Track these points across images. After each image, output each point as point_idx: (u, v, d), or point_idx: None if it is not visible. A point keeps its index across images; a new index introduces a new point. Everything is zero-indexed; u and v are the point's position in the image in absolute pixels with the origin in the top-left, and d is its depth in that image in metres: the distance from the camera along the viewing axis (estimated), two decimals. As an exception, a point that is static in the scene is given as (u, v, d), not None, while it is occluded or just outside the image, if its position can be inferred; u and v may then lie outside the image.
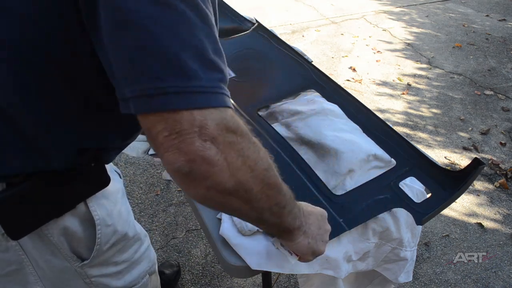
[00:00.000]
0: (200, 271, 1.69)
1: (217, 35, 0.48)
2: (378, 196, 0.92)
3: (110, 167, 0.71)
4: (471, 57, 3.46)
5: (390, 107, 2.80)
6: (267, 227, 0.59)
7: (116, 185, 0.72)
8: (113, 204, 0.71)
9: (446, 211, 1.96)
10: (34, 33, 0.48)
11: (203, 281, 1.64)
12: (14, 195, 0.57)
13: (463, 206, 2.01)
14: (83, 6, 0.45)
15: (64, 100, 0.53)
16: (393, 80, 3.12)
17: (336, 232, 0.84)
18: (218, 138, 0.43)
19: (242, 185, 0.46)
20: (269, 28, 1.64)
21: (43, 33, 0.48)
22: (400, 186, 0.95)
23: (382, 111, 2.75)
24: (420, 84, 3.07)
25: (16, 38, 0.48)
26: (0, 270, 0.66)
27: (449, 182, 0.94)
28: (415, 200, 0.92)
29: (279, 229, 0.61)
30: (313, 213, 0.68)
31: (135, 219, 0.76)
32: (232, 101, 1.26)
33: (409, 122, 2.64)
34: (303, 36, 3.86)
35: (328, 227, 0.71)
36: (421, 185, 0.98)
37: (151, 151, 1.05)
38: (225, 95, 0.46)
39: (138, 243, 0.80)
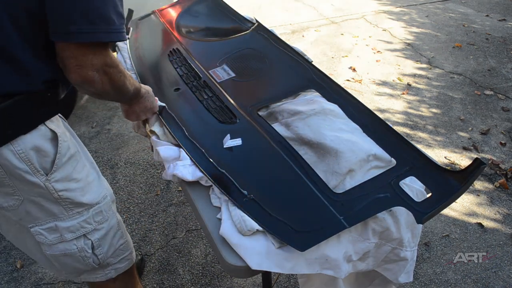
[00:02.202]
0: (200, 271, 1.68)
1: None
2: (379, 194, 0.92)
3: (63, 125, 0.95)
4: (471, 57, 3.46)
5: (390, 107, 2.80)
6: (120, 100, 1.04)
7: (62, 126, 0.93)
8: (63, 131, 0.90)
9: (446, 211, 1.96)
10: None
11: (203, 281, 1.64)
12: None
13: (463, 206, 2.01)
14: None
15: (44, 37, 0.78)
16: (393, 80, 3.12)
17: (336, 229, 0.84)
18: (100, 70, 0.80)
19: (105, 92, 0.86)
20: (269, 28, 1.64)
21: None
22: (400, 185, 0.95)
23: (382, 111, 2.75)
24: (420, 84, 3.07)
25: None
26: None
27: (450, 182, 0.94)
28: (415, 200, 0.92)
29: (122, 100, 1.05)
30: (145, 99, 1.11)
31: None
32: (232, 101, 1.27)
33: (409, 122, 2.64)
34: (303, 36, 3.86)
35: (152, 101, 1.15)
36: (421, 184, 0.97)
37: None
38: (124, 31, 0.83)
39: (87, 167, 0.97)
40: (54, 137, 0.86)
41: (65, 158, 0.88)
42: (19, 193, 0.85)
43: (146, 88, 1.10)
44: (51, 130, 0.85)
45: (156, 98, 1.18)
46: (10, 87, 0.77)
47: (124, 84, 0.90)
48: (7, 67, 0.76)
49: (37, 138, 0.83)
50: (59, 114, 0.93)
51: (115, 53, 1.73)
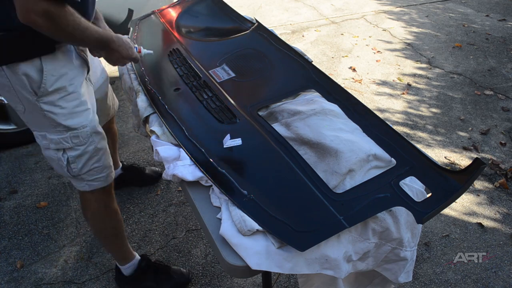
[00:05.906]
0: (200, 271, 1.69)
1: None
2: (379, 194, 0.92)
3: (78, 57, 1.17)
4: (471, 57, 3.46)
5: (390, 107, 2.80)
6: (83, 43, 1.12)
7: (69, 58, 1.12)
8: (61, 66, 1.09)
9: (446, 211, 1.96)
10: None
11: (203, 281, 1.64)
12: None
13: (463, 206, 2.01)
14: None
15: None
16: (393, 80, 3.12)
17: (336, 229, 0.84)
18: (43, 16, 0.89)
19: (56, 35, 0.98)
20: (269, 28, 1.64)
21: None
22: (400, 185, 0.95)
23: (382, 111, 2.75)
24: (420, 84, 3.07)
25: None
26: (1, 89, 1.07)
27: (450, 182, 0.94)
28: (415, 200, 0.92)
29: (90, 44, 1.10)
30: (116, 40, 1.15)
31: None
32: (232, 101, 1.27)
33: (409, 122, 2.64)
34: (303, 36, 3.86)
35: (129, 46, 1.20)
36: (421, 184, 0.97)
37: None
38: None
39: (77, 101, 1.14)
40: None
41: (52, 88, 1.08)
42: (22, 103, 1.09)
43: (120, 40, 1.16)
44: (41, 63, 1.04)
45: (141, 47, 1.31)
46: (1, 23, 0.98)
47: (75, 32, 0.98)
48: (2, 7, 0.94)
49: (28, 67, 1.03)
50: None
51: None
